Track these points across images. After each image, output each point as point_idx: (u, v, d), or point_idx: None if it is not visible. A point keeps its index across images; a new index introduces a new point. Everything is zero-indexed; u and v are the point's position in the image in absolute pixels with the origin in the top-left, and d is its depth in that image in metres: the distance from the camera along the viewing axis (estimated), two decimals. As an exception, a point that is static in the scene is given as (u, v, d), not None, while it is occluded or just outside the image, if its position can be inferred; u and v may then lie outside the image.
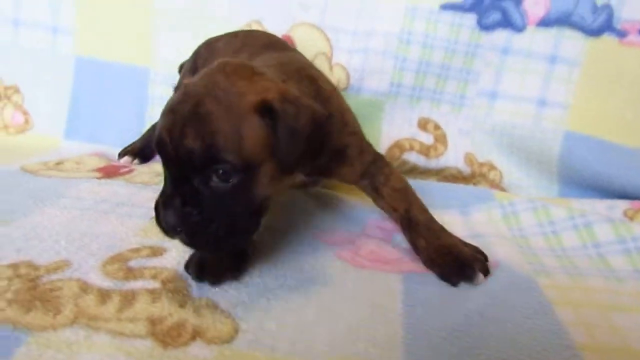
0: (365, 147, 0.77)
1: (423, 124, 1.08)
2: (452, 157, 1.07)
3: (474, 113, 1.07)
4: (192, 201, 0.54)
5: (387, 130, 1.08)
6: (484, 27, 1.02)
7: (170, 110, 0.56)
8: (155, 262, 0.66)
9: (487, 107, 1.06)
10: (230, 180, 0.54)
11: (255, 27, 1.12)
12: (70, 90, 1.21)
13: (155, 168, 1.02)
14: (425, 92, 1.07)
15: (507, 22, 1.02)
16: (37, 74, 1.22)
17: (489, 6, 1.01)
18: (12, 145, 1.17)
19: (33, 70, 1.22)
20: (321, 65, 1.08)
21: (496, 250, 0.74)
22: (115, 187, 0.90)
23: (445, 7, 1.02)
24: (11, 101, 1.23)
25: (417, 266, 0.71)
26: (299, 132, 0.56)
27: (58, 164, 1.03)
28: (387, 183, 0.76)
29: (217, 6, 1.13)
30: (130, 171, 1.00)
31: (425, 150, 1.07)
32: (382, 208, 0.78)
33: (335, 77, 1.08)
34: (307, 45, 1.08)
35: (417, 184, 0.98)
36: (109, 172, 0.98)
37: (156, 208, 0.57)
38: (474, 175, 1.07)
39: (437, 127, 1.08)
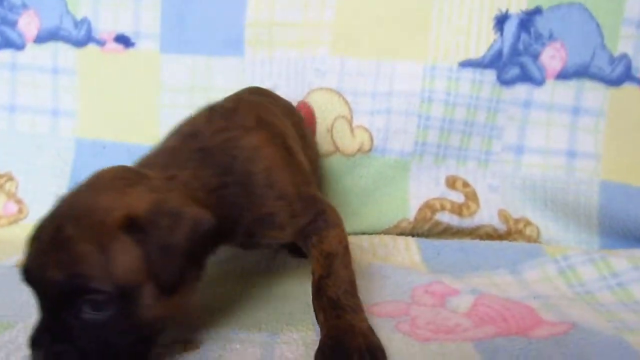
0: (299, 209, 0.65)
1: (451, 182, 1.03)
2: (486, 215, 1.01)
3: (501, 168, 1.03)
4: (64, 337, 0.46)
5: (415, 191, 1.02)
6: (504, 82, 1.01)
7: (34, 237, 0.49)
8: None
9: (515, 162, 1.02)
10: (106, 310, 0.46)
11: (265, 96, 1.09)
12: (70, 174, 1.13)
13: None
14: (450, 149, 1.03)
15: (526, 77, 1.00)
16: (33, 159, 1.14)
17: (507, 62, 1.00)
18: (5, 238, 1.03)
19: (29, 154, 1.14)
20: (342, 128, 1.04)
21: (567, 312, 0.66)
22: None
23: (464, 64, 1.01)
24: (4, 190, 1.14)
25: (482, 331, 0.62)
26: (174, 247, 0.48)
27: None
28: (319, 245, 0.65)
29: (226, 79, 1.10)
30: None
31: (458, 209, 1.01)
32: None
33: (357, 139, 1.03)
34: (326, 110, 1.05)
35: (456, 245, 0.94)
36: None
37: (28, 346, 0.48)
38: (509, 233, 1.01)
39: (465, 184, 1.03)
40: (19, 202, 1.13)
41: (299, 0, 1.07)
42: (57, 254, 0.46)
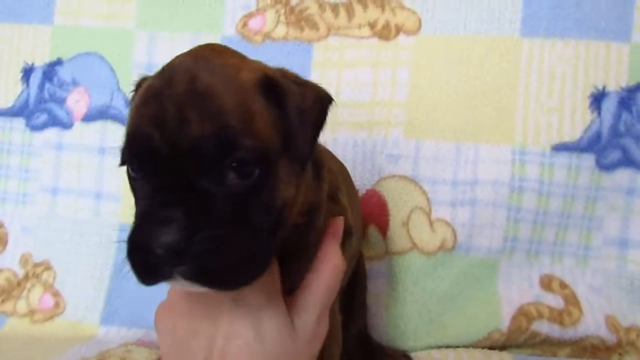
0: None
1: (546, 283, 0.87)
2: (592, 323, 0.84)
3: (603, 265, 0.87)
4: (201, 208, 0.37)
5: (506, 294, 0.86)
6: (604, 167, 0.86)
7: (153, 96, 0.40)
8: None
9: (618, 258, 0.86)
10: (251, 175, 0.39)
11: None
12: (113, 260, 1.02)
13: None
14: (544, 245, 0.88)
15: (628, 161, 0.86)
16: (74, 247, 1.02)
17: (607, 144, 0.86)
18: (40, 336, 0.92)
19: (70, 241, 1.02)
20: (419, 222, 0.88)
21: None
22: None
23: (558, 148, 0.87)
24: (40, 281, 1.02)
25: None
26: (309, 113, 0.43)
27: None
28: None
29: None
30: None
31: (558, 317, 0.84)
32: None
33: (438, 235, 0.88)
34: (400, 201, 0.89)
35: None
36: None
37: (136, 234, 0.38)
38: (620, 345, 0.84)
39: (563, 285, 0.87)
40: (56, 294, 1.00)
41: (368, 79, 0.95)
42: (201, 104, 0.38)
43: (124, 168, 0.44)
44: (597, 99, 0.87)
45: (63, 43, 1.06)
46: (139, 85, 0.46)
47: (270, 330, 0.45)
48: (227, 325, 0.45)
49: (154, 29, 1.04)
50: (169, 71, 0.41)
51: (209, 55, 0.43)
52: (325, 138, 0.96)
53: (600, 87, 0.87)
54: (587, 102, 0.88)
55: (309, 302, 0.48)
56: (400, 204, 0.90)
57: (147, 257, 0.37)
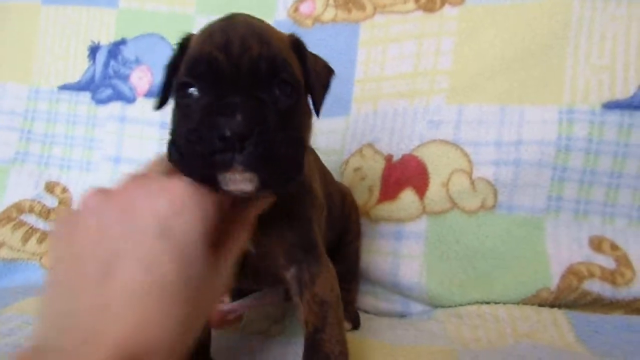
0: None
1: (597, 244, 0.83)
2: None
3: (659, 226, 0.83)
4: (259, 113, 0.42)
5: (555, 253, 0.82)
6: None
7: (219, 30, 0.47)
8: None
9: (677, 219, 0.82)
10: (293, 97, 0.47)
11: (367, 152, 0.96)
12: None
13: (267, 310, 0.81)
14: (593, 205, 0.84)
15: (687, 118, 0.82)
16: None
17: (663, 101, 0.83)
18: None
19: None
20: (459, 182, 0.87)
21: None
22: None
23: (609, 106, 0.83)
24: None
25: None
26: (319, 74, 0.54)
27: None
28: (311, 286, 0.56)
29: (329, 139, 1.00)
30: (239, 317, 0.79)
31: (610, 277, 0.80)
32: (299, 319, 0.57)
33: (479, 194, 0.86)
34: (440, 164, 0.89)
35: (617, 322, 0.73)
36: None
37: (192, 132, 0.42)
38: None
39: (614, 247, 0.82)
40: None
41: (411, 51, 0.96)
42: (259, 37, 0.46)
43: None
44: (651, 54, 0.83)
45: (127, 25, 1.13)
46: (186, 39, 0.53)
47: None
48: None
49: (212, 14, 1.09)
50: (226, 20, 0.49)
51: (251, 17, 0.51)
52: (367, 110, 0.97)
53: (654, 43, 0.84)
54: (640, 59, 0.84)
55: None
56: (440, 167, 0.89)
57: (207, 148, 0.41)
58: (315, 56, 0.56)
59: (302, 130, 0.49)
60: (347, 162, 0.97)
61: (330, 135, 1.00)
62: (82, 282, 0.37)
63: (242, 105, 0.42)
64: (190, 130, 0.43)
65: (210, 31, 0.48)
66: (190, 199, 0.40)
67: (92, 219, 0.39)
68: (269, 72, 0.45)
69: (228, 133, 0.40)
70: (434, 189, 0.89)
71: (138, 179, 0.42)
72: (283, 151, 0.43)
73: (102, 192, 0.41)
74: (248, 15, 0.51)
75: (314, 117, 0.53)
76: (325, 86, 0.56)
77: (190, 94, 0.46)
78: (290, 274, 0.57)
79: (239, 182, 0.42)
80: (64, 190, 1.11)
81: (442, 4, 0.97)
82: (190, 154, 0.42)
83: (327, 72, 0.57)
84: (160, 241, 0.38)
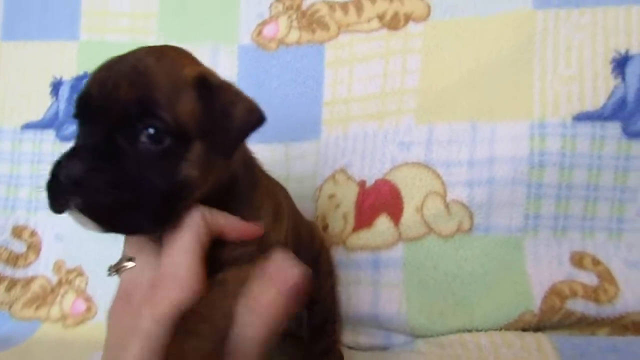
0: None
1: (578, 260, 0.80)
2: (631, 299, 0.76)
3: (639, 238, 0.79)
4: (109, 156, 0.43)
5: (536, 273, 0.79)
6: (632, 134, 0.78)
7: (103, 68, 0.48)
8: None
9: (657, 230, 0.79)
10: (161, 143, 0.44)
11: (340, 177, 0.93)
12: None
13: None
14: (572, 220, 0.81)
15: (661, 125, 0.79)
16: (106, 251, 1.02)
17: (634, 110, 0.78)
18: (71, 340, 0.93)
19: (102, 246, 1.02)
20: (434, 206, 0.84)
21: None
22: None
23: (580, 117, 0.80)
24: (73, 286, 1.03)
25: None
26: (233, 119, 0.49)
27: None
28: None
29: (302, 164, 0.97)
30: None
31: (593, 295, 0.76)
32: None
33: (455, 217, 0.83)
34: (414, 188, 0.85)
35: (603, 343, 0.71)
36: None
37: (54, 167, 0.45)
38: None
39: (596, 261, 0.79)
40: (87, 299, 1.01)
41: (378, 71, 0.92)
42: (134, 78, 0.45)
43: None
44: (620, 63, 0.80)
45: (89, 57, 1.10)
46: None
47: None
48: None
49: (175, 41, 1.05)
50: (128, 53, 0.49)
51: (165, 51, 0.50)
52: (337, 133, 0.94)
53: (622, 51, 0.81)
54: (609, 68, 0.81)
55: None
56: (414, 191, 0.86)
57: (55, 187, 0.44)
58: (237, 98, 0.51)
59: (169, 177, 0.45)
60: (320, 188, 0.94)
61: (302, 161, 0.97)
62: None
63: (90, 148, 0.44)
64: (50, 169, 0.45)
65: (104, 63, 0.49)
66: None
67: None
68: (132, 115, 0.44)
69: (61, 177, 0.43)
70: (409, 214, 0.86)
71: None
72: (126, 198, 0.43)
73: None
74: (154, 49, 0.50)
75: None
76: (240, 131, 0.50)
77: (77, 131, 0.48)
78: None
79: (83, 222, 0.44)
80: (33, 233, 1.07)
81: (406, 20, 0.94)
82: (46, 190, 0.45)
83: (245, 115, 0.50)
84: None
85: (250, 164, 0.60)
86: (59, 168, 0.44)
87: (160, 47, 0.51)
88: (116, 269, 0.52)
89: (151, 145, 0.44)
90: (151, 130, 0.44)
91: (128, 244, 0.51)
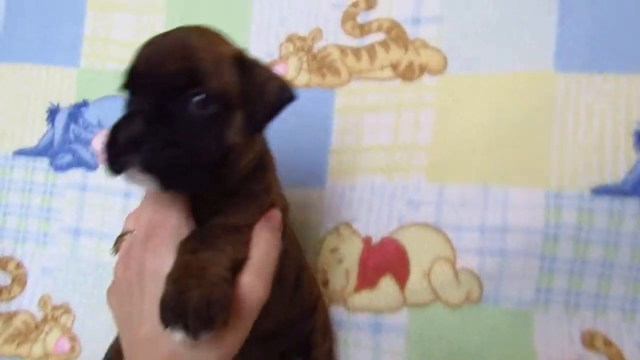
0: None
1: (589, 340, 0.76)
2: None
3: (655, 319, 0.77)
4: (163, 120, 0.47)
5: (544, 351, 0.75)
6: None
7: (149, 43, 0.51)
8: None
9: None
10: (209, 109, 0.49)
11: (345, 231, 0.89)
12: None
13: None
14: (584, 297, 0.77)
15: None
16: (95, 290, 0.97)
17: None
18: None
19: (91, 285, 0.98)
20: (442, 272, 0.80)
21: None
22: None
23: (598, 191, 0.77)
24: (58, 324, 0.98)
25: None
26: (267, 94, 0.54)
27: None
28: None
29: (306, 211, 0.92)
30: None
31: None
32: None
33: (464, 286, 0.79)
34: (422, 251, 0.81)
35: None
36: None
37: (112, 130, 0.48)
38: None
39: (607, 342, 0.75)
40: (73, 339, 0.96)
41: (389, 122, 0.88)
42: (180, 52, 0.49)
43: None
44: (643, 137, 0.78)
45: (89, 85, 1.05)
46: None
47: None
48: None
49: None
50: (169, 31, 0.52)
51: (204, 30, 0.54)
52: (343, 184, 0.90)
53: (645, 124, 0.78)
54: (631, 140, 0.78)
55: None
56: (421, 254, 0.82)
57: (114, 149, 0.47)
58: (270, 75, 0.56)
59: (218, 140, 0.50)
60: (323, 240, 0.90)
61: (305, 209, 0.93)
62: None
63: (145, 113, 0.47)
64: (107, 133, 0.48)
65: (143, 45, 0.52)
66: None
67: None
68: (181, 84, 0.48)
69: (121, 137, 0.46)
70: (415, 278, 0.82)
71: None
72: (184, 156, 0.46)
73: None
74: (192, 28, 0.53)
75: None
76: (272, 106, 0.55)
77: (126, 102, 0.52)
78: None
79: (141, 180, 0.48)
80: (19, 265, 1.02)
81: (421, 72, 0.90)
82: (105, 153, 0.48)
83: (278, 92, 0.55)
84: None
85: (267, 157, 0.64)
86: (117, 130, 0.47)
87: (199, 26, 0.55)
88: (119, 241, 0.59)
89: (200, 110, 0.48)
90: (200, 98, 0.48)
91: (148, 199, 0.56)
